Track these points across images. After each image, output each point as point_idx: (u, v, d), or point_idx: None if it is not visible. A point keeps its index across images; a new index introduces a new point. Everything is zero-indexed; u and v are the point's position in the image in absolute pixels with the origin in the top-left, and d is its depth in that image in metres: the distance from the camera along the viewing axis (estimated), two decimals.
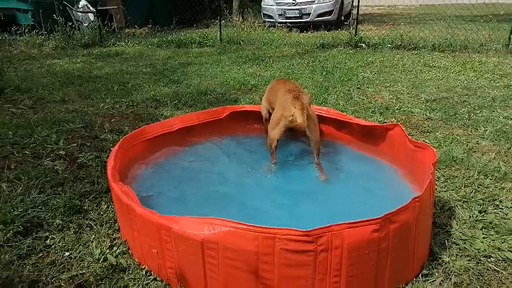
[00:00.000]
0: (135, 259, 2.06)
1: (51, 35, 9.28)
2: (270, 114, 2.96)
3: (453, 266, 1.99)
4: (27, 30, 9.34)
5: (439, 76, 5.87)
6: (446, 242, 2.16)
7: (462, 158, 3.14)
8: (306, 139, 2.85)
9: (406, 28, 9.39)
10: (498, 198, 2.57)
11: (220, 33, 9.58)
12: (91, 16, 10.16)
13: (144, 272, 1.96)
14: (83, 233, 2.27)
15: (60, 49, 8.87)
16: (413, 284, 1.88)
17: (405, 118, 4.10)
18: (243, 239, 1.61)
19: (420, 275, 1.93)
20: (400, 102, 4.64)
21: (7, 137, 3.44)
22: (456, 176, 2.88)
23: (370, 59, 7.08)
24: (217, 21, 10.32)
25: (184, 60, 7.54)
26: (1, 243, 2.12)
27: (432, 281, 1.90)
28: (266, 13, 11.78)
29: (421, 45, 8.08)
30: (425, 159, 2.29)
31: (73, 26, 9.58)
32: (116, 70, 6.62)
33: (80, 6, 10.33)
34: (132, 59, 7.67)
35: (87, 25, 9.92)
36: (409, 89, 5.19)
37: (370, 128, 2.90)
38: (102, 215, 2.42)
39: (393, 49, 8.14)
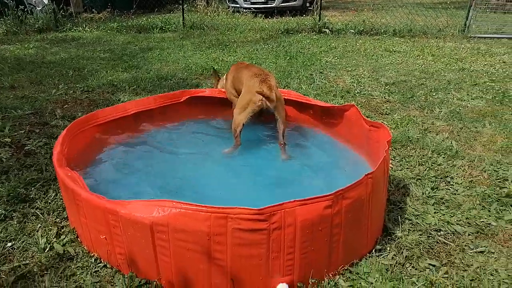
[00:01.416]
0: (84, 247, 1.96)
1: (1, 19, 8.71)
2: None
3: (405, 241, 2.03)
4: None
5: (398, 60, 5.99)
6: (400, 218, 2.21)
7: (418, 138, 3.21)
8: (274, 121, 2.83)
9: (368, 14, 9.52)
10: (449, 175, 2.65)
11: (183, 17, 9.33)
12: (45, 0, 9.60)
13: (93, 259, 1.87)
14: (28, 222, 2.14)
15: (11, 34, 8.36)
16: (366, 259, 1.91)
17: (365, 101, 4.15)
18: (194, 220, 1.56)
19: (374, 250, 1.96)
20: (361, 86, 4.69)
21: None
22: (411, 155, 2.95)
23: (333, 45, 7.13)
24: (180, 6, 10.04)
25: (145, 45, 7.29)
26: None
27: (385, 256, 1.93)
28: None
29: (382, 31, 8.22)
30: (380, 138, 2.31)
31: (26, 10, 9.02)
32: (72, 56, 6.31)
33: None
34: (89, 44, 7.33)
35: (40, 9, 9.38)
36: (369, 73, 5.26)
37: (327, 109, 2.90)
38: (49, 203, 2.29)
39: (356, 34, 8.23)
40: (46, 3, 9.48)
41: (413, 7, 11.10)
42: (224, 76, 3.30)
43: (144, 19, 9.92)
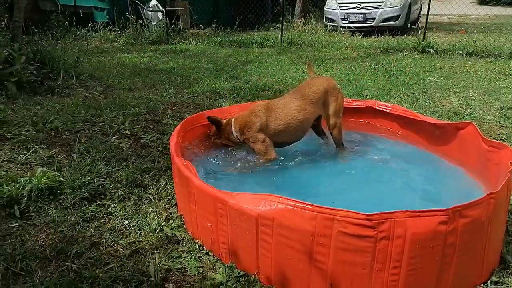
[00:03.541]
0: (189, 233, 2.09)
1: (123, 32, 9.89)
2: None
3: None
4: (102, 26, 10.04)
5: None
6: None
7: None
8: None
9: (479, 36, 8.78)
10: None
11: (282, 34, 9.62)
12: (160, 15, 10.67)
13: (197, 245, 1.99)
14: (142, 205, 2.36)
15: (130, 45, 9.41)
16: None
17: (476, 124, 3.80)
18: (300, 217, 1.57)
19: (489, 281, 1.77)
20: (471, 108, 4.32)
21: (80, 115, 3.70)
22: None
23: (438, 65, 6.70)
24: (278, 25, 10.38)
25: (245, 58, 7.66)
26: (69, 206, 2.27)
27: None
28: (329, 16, 11.63)
29: (496, 53, 7.50)
30: (502, 160, 2.10)
31: (143, 24, 10.14)
32: (180, 65, 6.88)
33: (150, 5, 10.90)
34: (195, 56, 7.93)
35: (155, 24, 10.44)
36: (481, 95, 4.82)
37: (438, 126, 2.72)
38: (160, 190, 2.51)
39: (464, 56, 7.64)
40: (160, 18, 10.54)
41: None
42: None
43: (244, 35, 10.44)
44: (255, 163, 2.69)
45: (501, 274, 1.82)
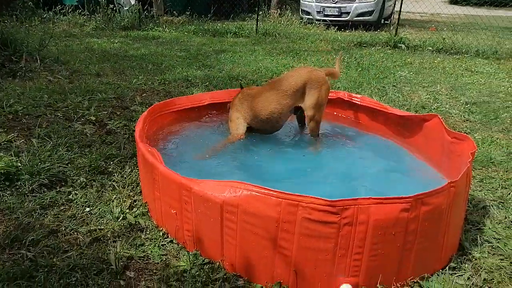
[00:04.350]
0: (154, 221, 2.04)
1: (93, 16, 9.53)
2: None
3: (483, 263, 1.86)
4: (70, 10, 9.64)
5: (481, 81, 5.59)
6: (478, 238, 2.03)
7: (501, 161, 2.96)
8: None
9: (448, 34, 9.02)
10: None
11: (257, 24, 9.54)
12: (132, 1, 10.34)
13: (161, 233, 1.94)
14: (105, 192, 2.28)
15: (100, 29, 9.09)
16: (439, 275, 1.77)
17: (442, 118, 3.91)
18: (265, 204, 1.56)
19: (448, 267, 1.82)
20: (438, 103, 4.44)
21: (42, 99, 3.54)
22: (493, 177, 2.71)
23: (408, 60, 6.85)
24: (254, 15, 10.29)
25: (219, 47, 7.55)
26: (26, 192, 2.16)
27: (460, 275, 1.78)
28: (305, 9, 11.64)
29: (463, 50, 7.74)
30: (464, 151, 2.15)
31: (114, 9, 9.80)
32: (152, 52, 6.70)
33: None
34: (167, 43, 7.75)
35: (127, 9, 10.12)
36: (448, 90, 4.97)
37: (405, 118, 2.77)
38: (125, 177, 2.43)
39: (434, 52, 7.84)
40: (132, 3, 10.21)
41: (498, 31, 10.37)
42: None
43: (219, 24, 10.29)
44: (216, 145, 2.76)
45: (459, 260, 1.88)
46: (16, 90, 3.74)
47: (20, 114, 3.17)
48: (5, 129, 2.86)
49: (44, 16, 9.17)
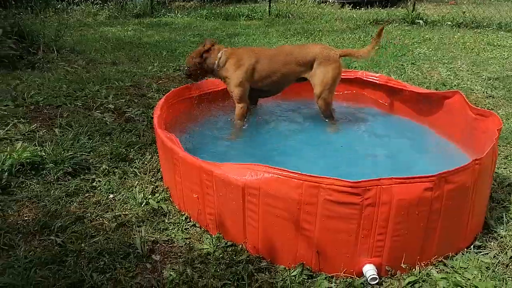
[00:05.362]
0: (176, 206, 2.08)
1: (105, 5, 9.55)
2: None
3: (510, 241, 1.83)
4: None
5: (504, 55, 5.39)
6: (504, 217, 1.99)
7: None
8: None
9: (468, 7, 8.68)
10: None
11: (269, 6, 9.40)
12: None
13: (184, 217, 1.97)
14: (127, 178, 2.32)
15: (113, 18, 9.11)
16: (463, 254, 1.75)
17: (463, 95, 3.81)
18: (286, 186, 1.56)
19: (472, 246, 1.80)
20: (459, 79, 4.32)
21: (61, 90, 3.59)
22: None
23: (427, 36, 6.65)
24: None
25: (232, 31, 7.48)
26: (52, 180, 2.22)
27: (486, 253, 1.76)
28: None
29: (485, 24, 7.46)
30: (489, 127, 2.09)
31: None
32: (165, 38, 6.70)
33: None
34: (180, 29, 7.72)
35: None
36: (469, 66, 4.81)
37: (425, 95, 2.71)
38: (146, 164, 2.47)
39: (453, 27, 7.58)
40: None
41: None
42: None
43: (231, 7, 10.18)
44: (233, 128, 2.75)
45: (484, 238, 1.85)
46: (36, 81, 3.81)
47: (41, 104, 3.23)
48: (28, 120, 2.93)
49: (58, 6, 9.21)
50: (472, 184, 1.66)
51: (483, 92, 3.90)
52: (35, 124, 2.85)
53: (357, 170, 2.29)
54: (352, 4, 10.26)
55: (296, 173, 1.54)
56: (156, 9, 9.71)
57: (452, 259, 1.72)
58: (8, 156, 2.25)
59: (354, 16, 8.75)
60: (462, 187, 1.62)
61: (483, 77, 4.38)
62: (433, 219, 1.60)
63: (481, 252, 1.78)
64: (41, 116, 3.03)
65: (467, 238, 1.79)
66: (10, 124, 2.79)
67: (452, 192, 1.59)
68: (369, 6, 10.29)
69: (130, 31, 7.44)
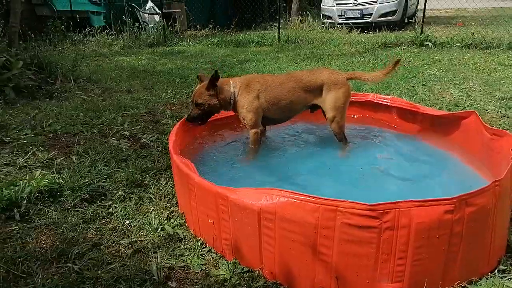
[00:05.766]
0: (191, 231, 2.07)
1: (120, 35, 9.88)
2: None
3: None
4: (98, 31, 10.03)
5: None
6: None
7: None
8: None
9: (477, 28, 8.74)
10: None
11: (279, 32, 9.61)
12: (156, 18, 10.67)
13: (199, 243, 1.97)
14: (143, 204, 2.33)
15: (127, 48, 9.40)
16: (487, 279, 1.70)
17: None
18: (302, 210, 1.55)
19: (497, 270, 1.74)
20: (471, 100, 4.30)
21: (78, 118, 3.68)
22: None
23: (437, 58, 6.68)
24: (275, 24, 10.40)
25: (242, 57, 7.64)
26: (69, 207, 2.25)
27: (511, 278, 1.70)
28: (326, 13, 11.62)
29: (495, 44, 7.48)
30: (503, 147, 2.07)
31: (140, 27, 10.13)
32: (178, 66, 6.86)
33: (147, 8, 10.90)
34: (193, 57, 7.92)
35: (152, 26, 10.44)
36: (481, 86, 4.80)
37: (440, 117, 2.70)
38: (161, 189, 2.48)
39: (463, 48, 7.61)
40: (157, 20, 10.53)
41: None
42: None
43: (241, 34, 10.43)
44: (248, 153, 2.76)
45: (509, 262, 1.79)
46: (54, 110, 3.92)
47: (59, 133, 3.31)
48: (46, 148, 3.00)
49: (75, 38, 9.57)
50: (493, 206, 1.63)
51: (497, 112, 3.86)
52: (53, 152, 2.91)
53: (373, 193, 2.27)
54: (360, 29, 10.42)
55: (312, 196, 1.54)
56: (169, 38, 10.01)
57: (476, 284, 1.66)
58: (27, 184, 2.30)
59: (363, 40, 8.87)
60: (483, 209, 1.59)
61: (496, 97, 4.35)
62: (455, 242, 1.57)
63: (506, 276, 1.72)
64: (59, 144, 3.10)
65: (490, 262, 1.74)
66: (30, 153, 2.86)
67: (473, 214, 1.56)
68: (377, 30, 10.44)
69: (144, 60, 7.65)
